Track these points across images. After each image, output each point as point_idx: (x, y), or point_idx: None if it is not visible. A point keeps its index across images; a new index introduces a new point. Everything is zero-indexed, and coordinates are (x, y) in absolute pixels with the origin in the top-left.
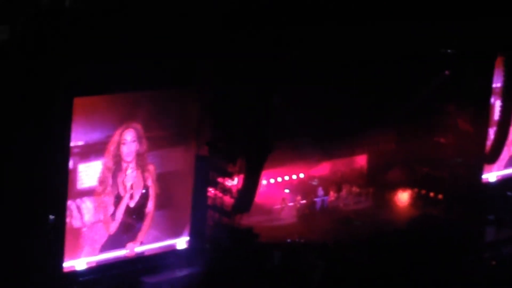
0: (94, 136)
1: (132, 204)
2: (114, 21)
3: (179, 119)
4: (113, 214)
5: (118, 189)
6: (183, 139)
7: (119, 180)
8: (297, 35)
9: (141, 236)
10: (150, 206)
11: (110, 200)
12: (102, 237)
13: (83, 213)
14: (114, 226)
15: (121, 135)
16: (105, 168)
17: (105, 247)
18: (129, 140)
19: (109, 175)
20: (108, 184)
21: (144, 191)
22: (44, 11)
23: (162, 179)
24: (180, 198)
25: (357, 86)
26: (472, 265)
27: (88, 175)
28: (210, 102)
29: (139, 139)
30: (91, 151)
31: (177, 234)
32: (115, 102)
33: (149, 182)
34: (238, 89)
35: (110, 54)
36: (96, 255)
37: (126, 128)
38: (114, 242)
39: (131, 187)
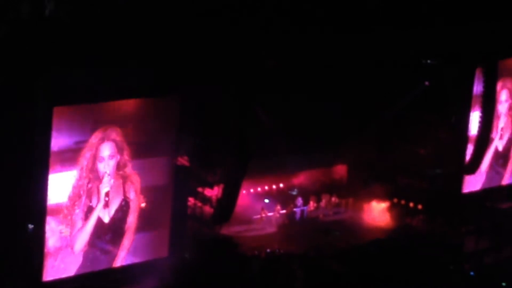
0: (60, 142)
1: (106, 220)
2: (94, 30)
3: (159, 128)
4: (85, 237)
5: (90, 204)
6: (163, 149)
7: (93, 192)
8: (277, 44)
9: (117, 263)
10: (130, 223)
11: (80, 219)
12: (70, 266)
13: (46, 237)
14: (85, 252)
15: (97, 149)
16: (76, 181)
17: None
18: (106, 157)
19: (81, 189)
20: (79, 199)
21: (123, 205)
22: (25, 20)
23: (144, 195)
24: (164, 217)
25: (337, 96)
26: (452, 276)
27: (54, 189)
28: (190, 111)
29: (119, 151)
30: (56, 160)
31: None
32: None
33: (131, 195)
34: (218, 99)
35: (90, 63)
36: None
37: (104, 141)
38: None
39: (106, 196)
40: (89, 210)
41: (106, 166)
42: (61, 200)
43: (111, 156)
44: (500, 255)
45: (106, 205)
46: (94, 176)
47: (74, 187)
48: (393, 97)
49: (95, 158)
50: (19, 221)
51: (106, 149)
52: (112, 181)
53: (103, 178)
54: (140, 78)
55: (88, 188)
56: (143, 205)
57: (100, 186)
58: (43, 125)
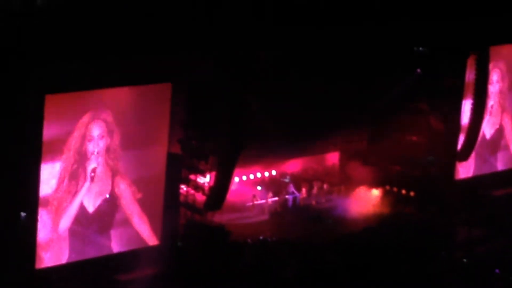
0: (51, 131)
1: (90, 209)
2: (85, 19)
3: (151, 116)
4: (67, 221)
5: (76, 187)
6: (155, 138)
7: (80, 174)
8: (270, 34)
9: (109, 251)
10: (119, 216)
11: (65, 201)
12: (59, 256)
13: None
14: (71, 242)
15: (86, 128)
16: (63, 162)
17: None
18: (96, 136)
19: (66, 171)
20: (63, 181)
21: (109, 198)
22: (16, 12)
23: (136, 185)
24: (157, 205)
25: (330, 84)
26: (443, 263)
27: (45, 180)
28: (182, 100)
29: (109, 133)
30: (47, 150)
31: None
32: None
33: (119, 189)
34: (211, 87)
35: (82, 51)
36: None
37: (94, 120)
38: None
39: (92, 172)
40: (75, 192)
41: (95, 145)
42: (49, 191)
43: (101, 136)
44: (492, 242)
45: (92, 180)
46: (82, 157)
47: (60, 171)
48: (385, 85)
49: (84, 137)
50: (11, 210)
51: (96, 129)
52: (100, 159)
53: (91, 156)
54: (132, 66)
55: (73, 169)
56: (138, 197)
57: (87, 163)
58: (36, 113)
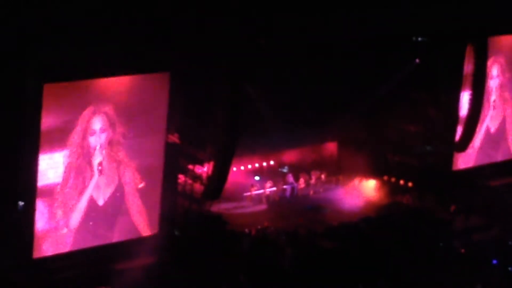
0: (49, 121)
1: (100, 202)
2: (84, 6)
3: (149, 105)
4: (78, 216)
5: (83, 181)
6: (153, 127)
7: (85, 168)
8: (267, 22)
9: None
10: (125, 206)
11: (73, 197)
12: (63, 246)
13: (37, 218)
14: (79, 234)
15: (88, 122)
16: (67, 157)
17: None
18: (98, 130)
19: (71, 166)
20: (70, 177)
21: (117, 189)
22: None
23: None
24: (155, 195)
25: (328, 73)
26: (441, 253)
27: (43, 171)
28: (180, 89)
29: (111, 125)
30: (46, 140)
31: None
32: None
33: (126, 179)
34: (208, 76)
35: (80, 39)
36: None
37: (95, 114)
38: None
39: (99, 165)
40: (82, 187)
41: (97, 139)
42: (50, 181)
43: (103, 130)
44: (490, 232)
45: (100, 173)
46: (85, 152)
47: (65, 165)
48: (384, 74)
49: (86, 132)
50: (9, 199)
51: (97, 122)
52: (104, 151)
53: (94, 151)
54: (130, 54)
55: (78, 164)
56: (141, 185)
57: (92, 158)
58: (33, 103)
